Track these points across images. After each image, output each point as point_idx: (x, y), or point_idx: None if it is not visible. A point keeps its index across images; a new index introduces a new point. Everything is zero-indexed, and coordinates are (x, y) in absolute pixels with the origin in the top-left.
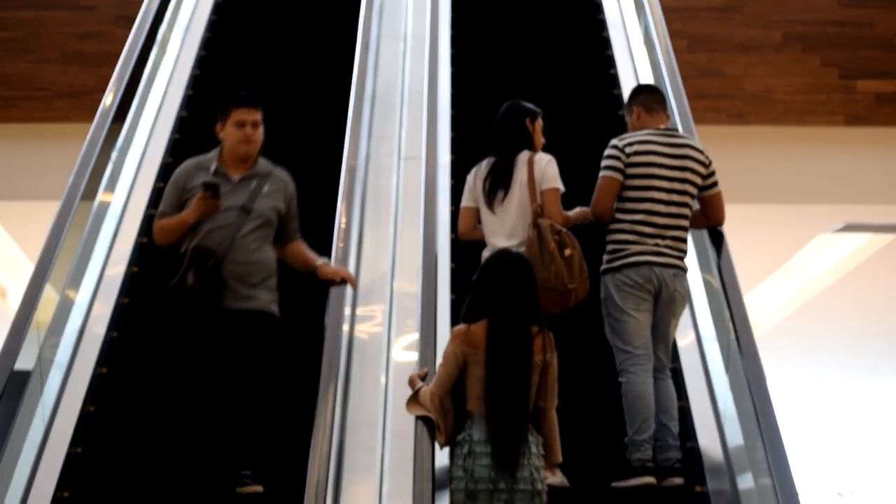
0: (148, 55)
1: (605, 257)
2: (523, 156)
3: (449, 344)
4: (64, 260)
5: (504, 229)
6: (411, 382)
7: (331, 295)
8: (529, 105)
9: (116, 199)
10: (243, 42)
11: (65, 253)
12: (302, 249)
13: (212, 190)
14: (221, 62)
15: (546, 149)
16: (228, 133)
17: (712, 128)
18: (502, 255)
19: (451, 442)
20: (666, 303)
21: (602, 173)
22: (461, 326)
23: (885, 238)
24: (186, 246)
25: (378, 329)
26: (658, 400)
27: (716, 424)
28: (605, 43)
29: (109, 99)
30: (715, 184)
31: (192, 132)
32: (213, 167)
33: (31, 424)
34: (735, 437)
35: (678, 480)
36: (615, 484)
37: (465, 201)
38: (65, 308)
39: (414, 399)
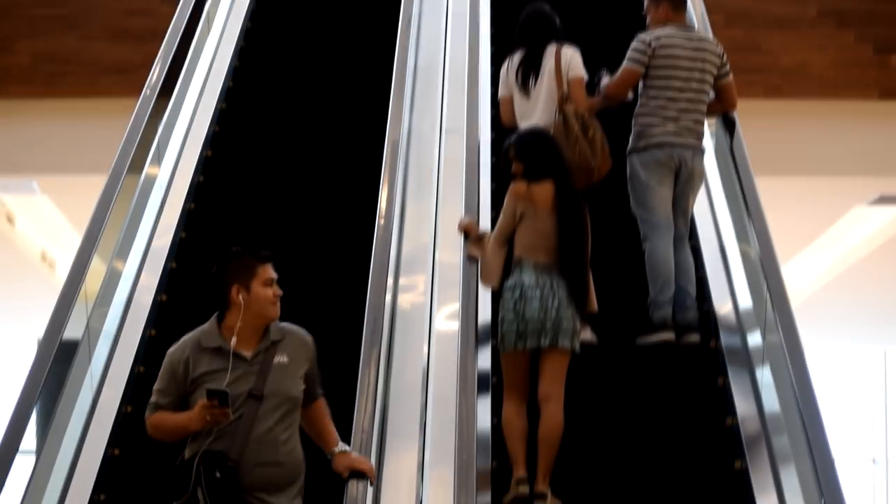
0: (194, 30)
1: (632, 139)
2: (551, 47)
3: (508, 200)
4: (111, 232)
5: (535, 114)
6: (469, 229)
7: (373, 264)
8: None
9: (163, 172)
10: (288, 15)
11: (112, 225)
12: (321, 415)
13: (217, 398)
14: (266, 34)
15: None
16: (257, 295)
17: (748, 102)
18: (538, 130)
19: (501, 287)
20: (685, 179)
21: (626, 63)
22: (521, 184)
23: None
24: (193, 451)
25: (420, 299)
26: (677, 265)
27: (728, 290)
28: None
29: (155, 74)
30: (728, 73)
31: (238, 102)
32: (220, 345)
33: (80, 391)
34: (745, 301)
35: (695, 337)
36: (639, 340)
37: (502, 92)
38: (112, 279)
39: (475, 243)
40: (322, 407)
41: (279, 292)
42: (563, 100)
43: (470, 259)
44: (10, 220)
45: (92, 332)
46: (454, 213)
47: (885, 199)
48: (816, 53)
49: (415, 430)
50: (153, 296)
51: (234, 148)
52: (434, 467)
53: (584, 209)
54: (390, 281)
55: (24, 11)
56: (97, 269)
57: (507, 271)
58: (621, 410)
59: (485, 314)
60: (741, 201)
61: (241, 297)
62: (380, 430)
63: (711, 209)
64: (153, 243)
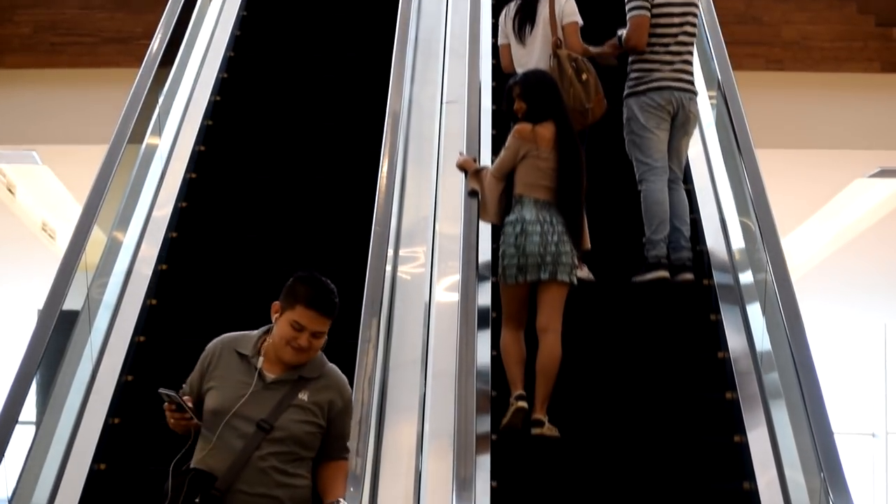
0: (195, 0)
1: (629, 83)
2: None
3: (512, 139)
4: (111, 202)
5: (531, 60)
6: (466, 164)
7: (373, 235)
8: None
9: (164, 142)
10: None
11: (112, 195)
12: (335, 476)
13: (168, 401)
14: (268, 4)
15: None
16: (281, 328)
17: (750, 73)
18: (541, 71)
19: (502, 223)
20: (681, 123)
21: (635, 13)
22: (526, 125)
23: None
24: (194, 461)
25: (420, 270)
26: (672, 206)
27: (722, 231)
28: None
29: (157, 44)
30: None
31: (239, 71)
32: (250, 355)
33: (80, 361)
34: (738, 241)
35: (689, 276)
36: (634, 278)
37: (501, 39)
38: (112, 249)
39: (474, 176)
40: (342, 469)
41: (304, 344)
42: (557, 45)
43: (470, 194)
44: (10, 190)
45: (92, 302)
46: (455, 184)
47: (885, 172)
48: (818, 26)
49: (414, 401)
50: (153, 265)
51: (235, 117)
52: (433, 439)
53: (581, 150)
54: (390, 252)
55: None
56: (97, 240)
57: (507, 209)
58: (618, 344)
59: (484, 287)
60: (733, 142)
61: (273, 317)
62: (379, 401)
63: (706, 155)
64: (153, 213)
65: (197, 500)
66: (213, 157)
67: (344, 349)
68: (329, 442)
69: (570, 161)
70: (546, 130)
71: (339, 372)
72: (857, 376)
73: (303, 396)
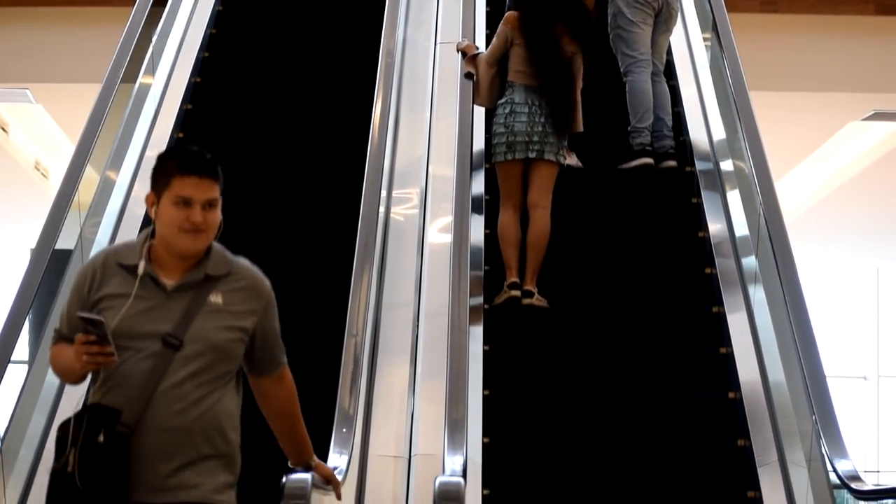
0: None
1: None
2: None
3: (501, 27)
4: (104, 141)
5: None
6: (468, 48)
7: (366, 175)
8: None
9: (156, 83)
10: None
11: (105, 134)
12: (287, 400)
13: (92, 328)
14: None
15: None
16: (164, 215)
17: (745, 15)
18: None
19: (494, 106)
20: (664, 18)
21: None
22: (513, 13)
23: None
24: (92, 400)
25: (413, 211)
26: (655, 98)
27: (703, 121)
28: None
29: None
30: None
31: (227, 25)
32: (139, 266)
33: None
34: (719, 132)
35: (672, 163)
36: (621, 165)
37: None
38: (105, 189)
39: (471, 61)
40: (287, 384)
41: (198, 219)
42: None
43: (466, 76)
44: (3, 128)
45: (84, 241)
46: (448, 126)
47: (879, 115)
48: None
49: (407, 343)
50: (143, 214)
51: (231, 49)
52: (425, 380)
53: (551, 35)
54: (383, 193)
55: None
56: (90, 179)
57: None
58: (605, 226)
59: (476, 222)
60: (714, 39)
61: (151, 212)
62: (371, 343)
63: (690, 52)
64: (146, 154)
65: (101, 440)
66: (210, 88)
67: (337, 293)
68: (260, 350)
69: (540, 47)
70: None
71: (250, 264)
72: (849, 320)
73: (215, 299)
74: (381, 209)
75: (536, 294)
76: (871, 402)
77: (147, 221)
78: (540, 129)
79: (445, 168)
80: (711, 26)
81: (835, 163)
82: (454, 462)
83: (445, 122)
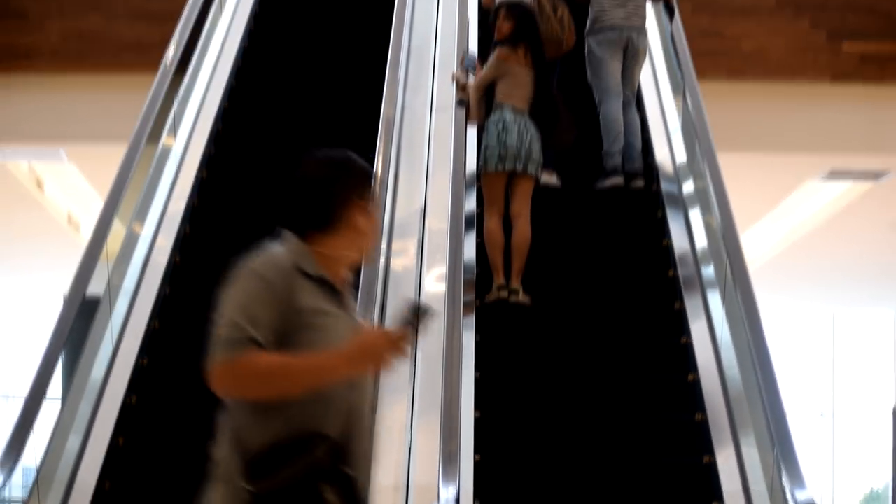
0: (207, 12)
1: (589, 23)
2: None
3: (494, 59)
4: (131, 197)
5: None
6: (459, 78)
7: None
8: None
9: (178, 143)
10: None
11: (131, 190)
12: None
13: (416, 320)
14: (272, 20)
15: None
16: (357, 219)
17: (713, 83)
18: (522, 1)
19: (486, 121)
20: (632, 54)
21: None
22: (507, 49)
23: (866, 184)
24: (297, 425)
25: (410, 262)
26: (626, 124)
27: (668, 147)
28: None
29: (171, 52)
30: None
31: (246, 80)
32: (323, 276)
33: (101, 343)
34: (681, 155)
35: (640, 183)
36: (595, 184)
37: None
38: (131, 240)
39: (462, 90)
40: None
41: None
42: None
43: (459, 103)
44: (39, 185)
45: (112, 288)
46: (443, 183)
47: (835, 174)
48: (775, 39)
49: (405, 381)
50: (168, 257)
51: (241, 123)
52: (422, 415)
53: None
54: (384, 245)
55: None
56: (118, 231)
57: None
58: (581, 235)
59: (470, 274)
60: (678, 77)
61: (359, 220)
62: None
63: (655, 85)
64: (169, 208)
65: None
66: (222, 159)
67: None
68: None
69: (543, 76)
70: (522, 52)
71: None
72: (807, 361)
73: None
74: (382, 260)
75: (521, 292)
76: (828, 436)
77: (170, 270)
78: (527, 146)
79: (440, 222)
80: (681, 91)
81: (794, 218)
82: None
83: (440, 179)
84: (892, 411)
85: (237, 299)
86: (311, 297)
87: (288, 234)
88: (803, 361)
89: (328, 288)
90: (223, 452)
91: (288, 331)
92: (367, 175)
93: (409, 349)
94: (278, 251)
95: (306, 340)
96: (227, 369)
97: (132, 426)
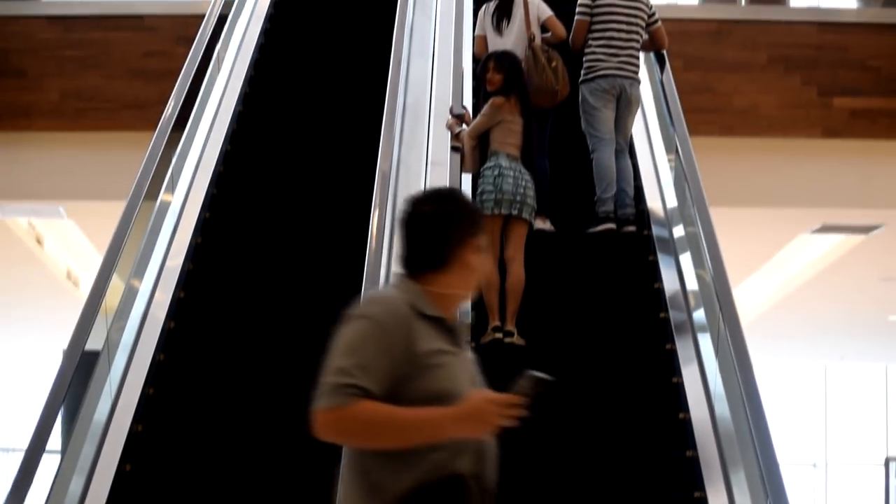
0: (205, 72)
1: (583, 72)
2: None
3: (489, 108)
4: (129, 253)
5: (507, 48)
6: (452, 126)
7: (365, 278)
8: None
9: (175, 200)
10: (287, 65)
11: (130, 246)
12: None
13: (531, 390)
14: (268, 82)
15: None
16: (469, 257)
17: (705, 139)
18: (509, 51)
19: (480, 168)
20: (625, 104)
21: (576, 17)
22: (500, 98)
23: (857, 238)
24: (437, 466)
25: None
26: (618, 171)
27: (659, 194)
28: None
29: (169, 110)
30: (657, 21)
31: (241, 143)
32: (440, 316)
33: (100, 399)
34: (671, 201)
35: (631, 228)
36: (588, 229)
37: (478, 31)
38: (130, 295)
39: (456, 137)
40: None
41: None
42: (532, 39)
43: (453, 149)
44: (39, 241)
45: (111, 344)
46: None
47: (827, 228)
48: (766, 95)
49: None
50: (164, 317)
51: (236, 187)
52: None
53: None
54: None
55: (53, 53)
56: (116, 287)
57: (483, 161)
58: (575, 279)
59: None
60: (668, 124)
61: (471, 257)
62: None
63: (647, 134)
64: (166, 264)
65: None
66: (217, 224)
67: None
68: None
69: (530, 125)
70: (515, 101)
71: None
72: (800, 412)
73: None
74: None
75: (516, 334)
76: (820, 487)
77: (169, 324)
78: (521, 191)
79: None
80: (674, 148)
81: (787, 271)
82: None
83: None
84: (883, 462)
85: (348, 345)
86: (429, 339)
87: (398, 275)
88: (796, 413)
89: (444, 327)
90: (354, 498)
91: (408, 375)
92: (478, 212)
93: (517, 418)
94: (393, 294)
95: (427, 382)
96: (331, 417)
97: (128, 486)
